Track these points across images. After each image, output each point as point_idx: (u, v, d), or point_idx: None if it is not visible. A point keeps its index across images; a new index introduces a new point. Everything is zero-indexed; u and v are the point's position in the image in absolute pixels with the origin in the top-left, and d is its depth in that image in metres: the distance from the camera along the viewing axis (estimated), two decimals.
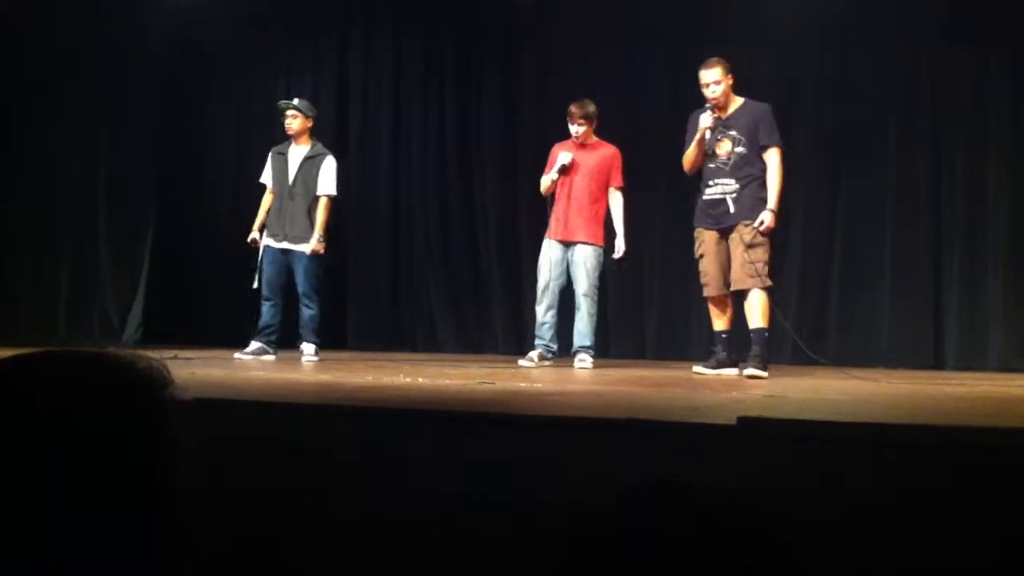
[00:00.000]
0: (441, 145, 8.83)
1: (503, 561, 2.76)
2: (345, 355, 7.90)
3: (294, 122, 7.21)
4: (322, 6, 9.12)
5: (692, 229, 6.40)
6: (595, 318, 6.85)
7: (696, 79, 6.24)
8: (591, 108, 6.84)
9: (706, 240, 6.22)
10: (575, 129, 6.82)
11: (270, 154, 7.34)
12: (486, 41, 8.75)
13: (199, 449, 1.15)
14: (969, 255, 7.35)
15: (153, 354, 1.18)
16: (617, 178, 6.91)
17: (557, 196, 6.91)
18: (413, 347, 8.59)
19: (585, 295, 6.78)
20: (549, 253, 6.90)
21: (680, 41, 7.91)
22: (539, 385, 5.17)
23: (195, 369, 5.34)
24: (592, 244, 6.82)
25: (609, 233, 6.89)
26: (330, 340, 8.67)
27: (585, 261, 6.80)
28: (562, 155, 6.85)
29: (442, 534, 2.91)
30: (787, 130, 6.55)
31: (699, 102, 6.30)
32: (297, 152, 7.24)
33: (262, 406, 3.78)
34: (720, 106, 6.11)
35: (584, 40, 8.38)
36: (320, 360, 7.00)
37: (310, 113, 7.31)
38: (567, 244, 6.86)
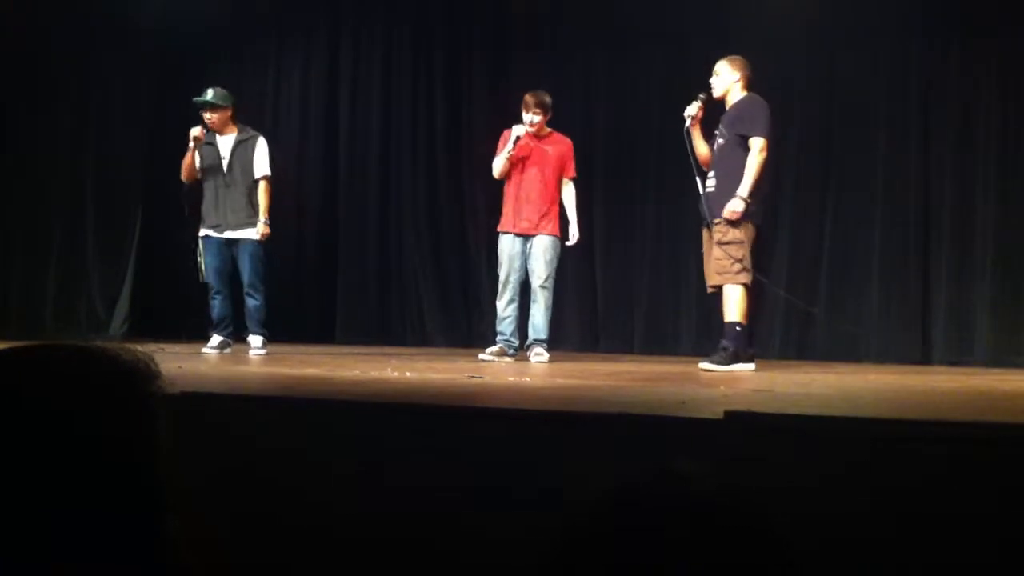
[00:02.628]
0: (431, 140, 8.82)
1: (495, 558, 2.76)
2: (334, 348, 7.89)
3: (213, 116, 7.05)
4: (312, 6, 9.11)
5: (681, 226, 6.42)
6: (551, 311, 6.85)
7: (689, 76, 6.25)
8: (547, 98, 6.82)
9: (704, 237, 6.22)
10: (530, 118, 6.76)
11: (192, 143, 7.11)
12: (476, 36, 8.75)
13: (186, 443, 1.15)
14: (957, 252, 7.37)
15: (139, 347, 1.17)
16: (571, 169, 6.94)
17: (511, 188, 6.89)
18: (402, 341, 8.59)
19: (543, 287, 6.77)
20: (507, 247, 6.88)
21: (672, 41, 7.92)
22: (527, 379, 5.18)
23: (182, 363, 5.32)
24: (551, 235, 6.82)
25: (563, 223, 6.91)
26: (319, 333, 8.69)
27: (544, 252, 6.79)
28: (516, 128, 6.75)
29: (429, 531, 2.90)
30: (777, 129, 6.53)
31: (691, 99, 6.31)
32: (227, 139, 7.10)
33: (250, 400, 3.77)
34: (719, 99, 6.12)
35: (575, 38, 8.37)
36: (309, 354, 6.99)
37: (226, 102, 7.14)
38: (525, 236, 6.85)
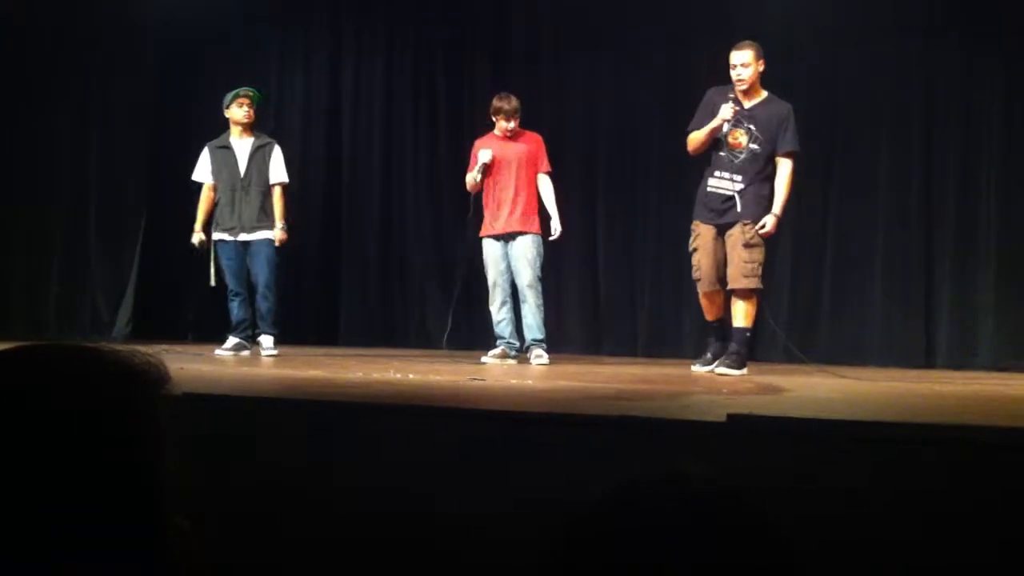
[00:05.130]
0: (433, 142, 8.82)
1: (495, 559, 2.76)
2: (336, 350, 7.89)
3: (252, 110, 7.13)
4: (313, 5, 9.11)
5: (684, 227, 6.38)
6: (543, 309, 6.84)
7: (694, 73, 6.22)
8: (516, 102, 6.87)
9: (702, 234, 6.08)
10: (507, 125, 6.83)
11: (207, 150, 7.18)
12: (477, 39, 8.75)
13: (190, 445, 1.15)
14: (960, 254, 7.36)
15: (145, 349, 1.17)
16: (544, 163, 6.95)
17: (488, 193, 6.92)
18: (404, 343, 8.59)
19: (529, 286, 6.77)
20: (489, 251, 6.91)
21: (674, 41, 7.91)
22: (529, 382, 5.18)
23: (184, 364, 5.33)
24: (530, 233, 6.82)
25: (543, 219, 6.91)
26: (322, 336, 8.69)
27: (525, 252, 6.80)
28: (482, 153, 6.86)
29: (434, 532, 2.91)
30: None
31: (693, 100, 6.29)
32: (243, 144, 7.13)
33: (253, 401, 3.78)
34: (745, 92, 5.96)
35: (577, 38, 8.37)
36: (312, 356, 6.99)
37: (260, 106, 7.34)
38: (505, 238, 6.87)
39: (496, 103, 6.89)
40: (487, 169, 6.86)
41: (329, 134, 9.03)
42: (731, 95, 5.96)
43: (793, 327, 7.62)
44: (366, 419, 3.43)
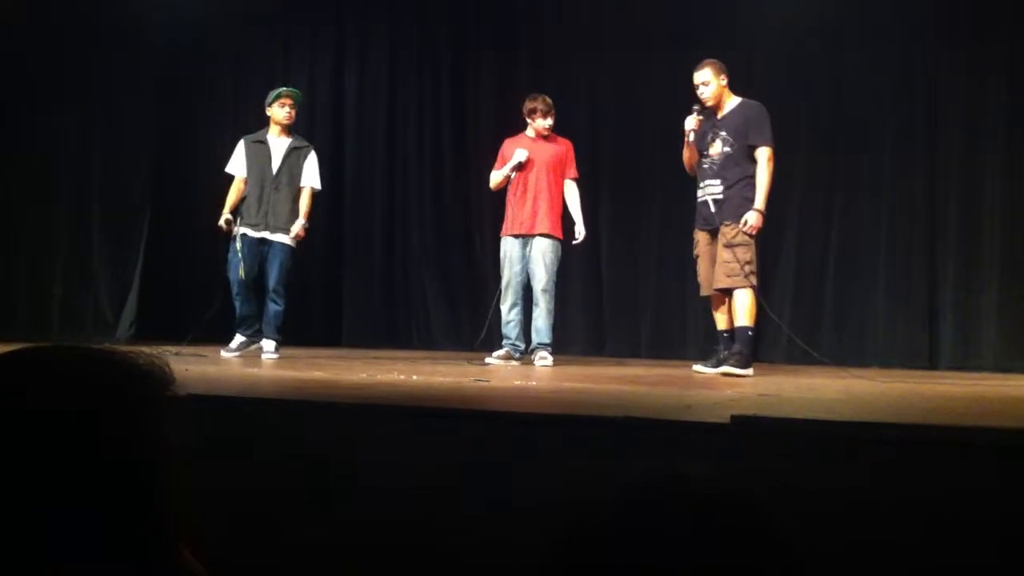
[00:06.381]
0: (437, 142, 8.84)
1: (496, 560, 2.76)
2: (340, 351, 7.90)
3: (293, 112, 7.15)
4: (315, 5, 9.12)
5: (688, 228, 6.44)
6: (553, 314, 6.85)
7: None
8: (549, 99, 6.91)
9: (699, 241, 6.25)
10: (546, 122, 6.84)
11: (243, 143, 7.16)
12: (482, 39, 8.76)
13: (191, 444, 1.15)
14: (964, 255, 7.36)
15: (153, 351, 1.18)
16: (572, 170, 6.98)
17: (514, 191, 6.92)
18: (408, 344, 8.60)
19: (544, 290, 6.79)
20: (509, 250, 6.92)
21: (678, 40, 7.92)
22: (533, 383, 5.18)
23: (189, 365, 5.33)
24: (551, 237, 6.84)
25: (567, 224, 6.92)
26: (325, 336, 8.70)
27: (544, 255, 6.81)
28: (518, 152, 6.85)
29: (436, 533, 2.91)
30: (783, 130, 6.54)
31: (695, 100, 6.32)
32: (280, 142, 7.11)
33: (257, 403, 3.78)
34: (712, 107, 6.14)
35: (581, 37, 8.39)
36: (315, 357, 6.99)
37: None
38: (526, 238, 6.87)
39: (530, 104, 6.89)
40: (521, 167, 6.85)
41: (333, 134, 9.05)
42: (695, 107, 6.18)
43: (797, 328, 7.62)
44: (369, 420, 3.43)
